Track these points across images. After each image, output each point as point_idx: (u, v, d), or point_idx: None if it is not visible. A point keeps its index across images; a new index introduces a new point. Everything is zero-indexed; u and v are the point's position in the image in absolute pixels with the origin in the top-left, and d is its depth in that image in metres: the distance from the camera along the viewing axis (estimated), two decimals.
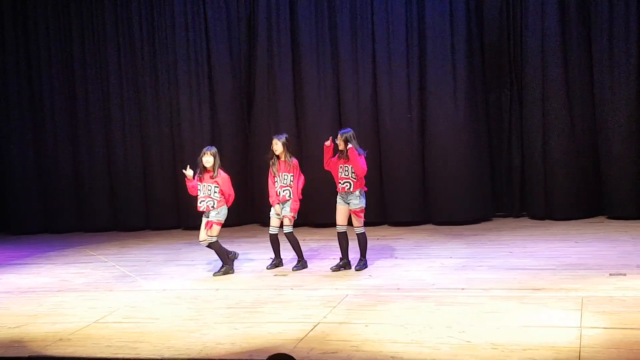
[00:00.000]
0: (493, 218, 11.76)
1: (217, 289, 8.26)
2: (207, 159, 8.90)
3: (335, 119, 12.03)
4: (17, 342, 6.73)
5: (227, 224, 9.79)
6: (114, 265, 10.04)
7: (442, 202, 11.62)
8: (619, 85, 10.88)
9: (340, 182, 8.69)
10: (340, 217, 8.75)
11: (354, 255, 8.91)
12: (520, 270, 8.12)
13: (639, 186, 10.88)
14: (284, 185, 9.00)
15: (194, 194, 9.05)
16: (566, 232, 10.27)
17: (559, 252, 8.99)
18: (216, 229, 8.92)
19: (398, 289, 7.71)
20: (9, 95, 13.54)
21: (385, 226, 11.84)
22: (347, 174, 8.62)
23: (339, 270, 8.76)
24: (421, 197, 11.79)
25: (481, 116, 11.69)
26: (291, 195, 9.01)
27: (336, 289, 7.87)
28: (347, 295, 7.53)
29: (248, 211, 12.49)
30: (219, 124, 12.70)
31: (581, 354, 5.38)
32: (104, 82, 13.21)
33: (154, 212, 13.13)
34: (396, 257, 9.39)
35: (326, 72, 12.13)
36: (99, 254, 10.97)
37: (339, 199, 8.77)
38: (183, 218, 12.71)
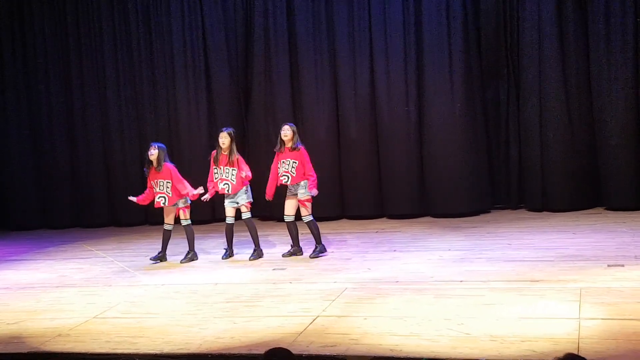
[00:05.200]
0: (491, 210, 11.75)
1: (216, 284, 8.25)
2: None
3: (333, 113, 12.03)
4: (16, 338, 6.73)
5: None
6: (112, 261, 10.04)
7: (440, 195, 11.61)
8: (616, 77, 10.85)
9: (279, 176, 9.17)
10: (287, 208, 9.24)
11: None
12: (519, 262, 8.12)
13: (637, 177, 10.86)
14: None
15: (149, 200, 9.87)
16: (564, 224, 10.26)
17: (557, 244, 8.98)
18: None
19: (397, 281, 7.71)
20: (6, 91, 13.52)
21: (383, 219, 11.82)
22: (286, 167, 9.10)
23: (290, 256, 9.26)
24: (419, 189, 11.78)
25: (478, 108, 11.67)
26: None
27: (335, 282, 7.87)
28: (345, 289, 7.53)
29: None
30: (216, 118, 12.66)
31: (580, 344, 5.38)
32: (100, 77, 13.20)
33: (152, 207, 13.08)
34: (394, 250, 9.38)
35: (323, 66, 12.11)
36: (97, 250, 10.97)
37: (287, 192, 9.24)
38: None
